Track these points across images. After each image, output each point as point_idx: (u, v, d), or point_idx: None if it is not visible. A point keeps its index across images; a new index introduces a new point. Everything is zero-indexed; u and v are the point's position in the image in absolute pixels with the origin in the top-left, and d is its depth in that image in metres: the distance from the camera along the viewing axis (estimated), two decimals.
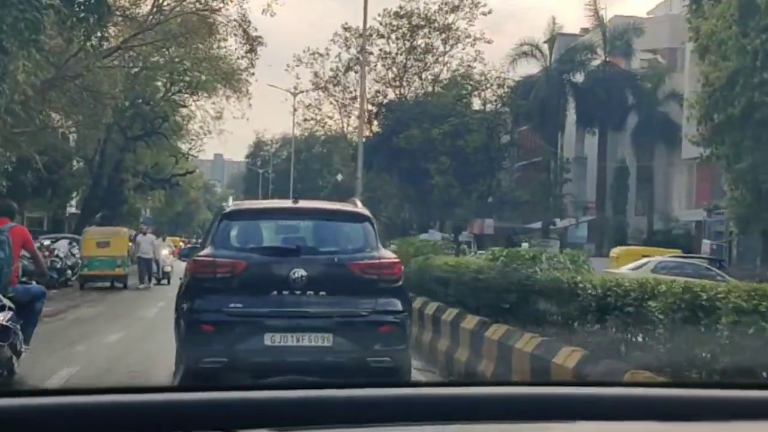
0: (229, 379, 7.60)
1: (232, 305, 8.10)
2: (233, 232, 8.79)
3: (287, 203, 10.36)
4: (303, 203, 9.73)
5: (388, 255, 8.91)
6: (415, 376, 9.29)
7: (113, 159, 47.39)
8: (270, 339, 8.03)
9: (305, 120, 64.31)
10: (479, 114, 51.10)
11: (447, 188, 47.98)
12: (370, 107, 60.54)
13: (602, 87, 48.11)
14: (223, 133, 53.87)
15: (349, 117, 65.10)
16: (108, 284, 28.49)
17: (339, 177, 65.84)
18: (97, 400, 1.80)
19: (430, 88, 57.75)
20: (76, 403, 1.79)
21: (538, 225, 51.57)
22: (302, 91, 60.04)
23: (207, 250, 8.59)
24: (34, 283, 10.63)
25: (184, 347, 8.26)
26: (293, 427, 1.75)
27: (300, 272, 8.10)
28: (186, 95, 47.05)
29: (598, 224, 51.10)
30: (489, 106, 52.16)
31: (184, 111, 51.08)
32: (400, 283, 8.60)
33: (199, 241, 14.35)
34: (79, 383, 9.78)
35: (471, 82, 52.60)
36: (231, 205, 10.23)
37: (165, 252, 30.32)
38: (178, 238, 70.74)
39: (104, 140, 44.93)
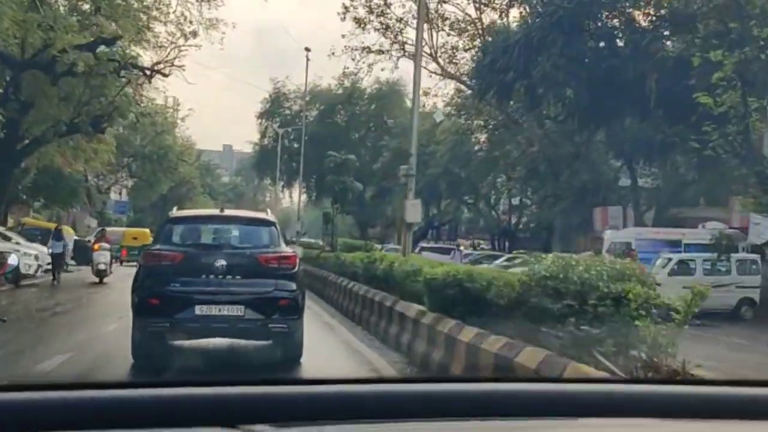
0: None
1: (172, 285, 11.82)
2: (175, 232, 12.77)
3: (216, 212, 15.48)
4: (228, 212, 15.08)
5: (287, 250, 12.84)
6: None
7: None
8: (199, 309, 11.68)
9: (350, 50, 40.18)
10: None
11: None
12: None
13: None
14: (216, 27, 27.75)
15: (438, 28, 39.84)
16: None
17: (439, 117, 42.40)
18: (101, 395, 1.81)
19: None
20: (76, 398, 1.80)
21: None
22: None
23: (155, 245, 12.66)
24: None
25: (137, 315, 11.91)
26: (296, 423, 1.78)
27: (222, 262, 11.88)
28: None
29: None
30: None
31: None
32: (296, 270, 12.38)
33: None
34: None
35: None
36: (175, 213, 14.16)
37: None
38: (147, 231, 44.68)
39: None
